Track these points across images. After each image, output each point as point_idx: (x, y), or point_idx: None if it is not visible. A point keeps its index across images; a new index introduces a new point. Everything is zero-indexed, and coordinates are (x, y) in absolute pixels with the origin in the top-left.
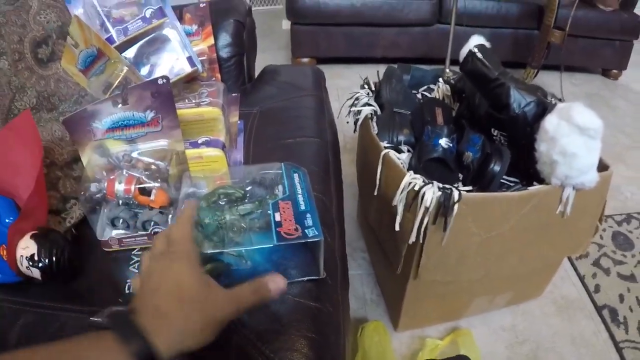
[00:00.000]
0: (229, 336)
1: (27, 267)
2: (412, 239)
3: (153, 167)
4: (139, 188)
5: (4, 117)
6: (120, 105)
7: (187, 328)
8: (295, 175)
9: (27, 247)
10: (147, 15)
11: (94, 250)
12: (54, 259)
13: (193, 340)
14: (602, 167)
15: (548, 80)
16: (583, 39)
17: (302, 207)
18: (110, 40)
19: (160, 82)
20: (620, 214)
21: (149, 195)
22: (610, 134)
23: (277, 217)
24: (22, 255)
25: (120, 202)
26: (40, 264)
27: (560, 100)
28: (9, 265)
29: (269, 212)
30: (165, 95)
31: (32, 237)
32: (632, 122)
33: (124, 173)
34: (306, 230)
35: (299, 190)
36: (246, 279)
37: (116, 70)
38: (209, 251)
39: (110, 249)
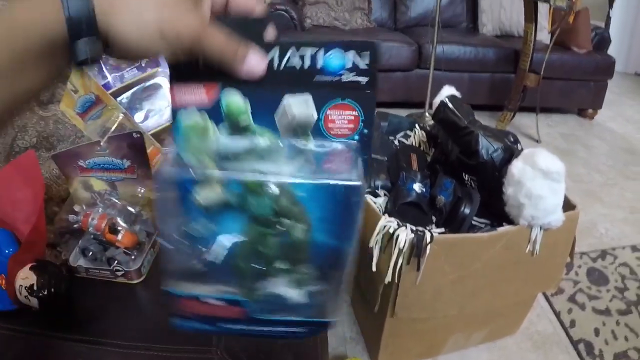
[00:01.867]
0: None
1: (25, 297)
2: (388, 279)
3: (127, 210)
4: (109, 226)
5: (7, 154)
6: (99, 149)
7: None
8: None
9: (26, 277)
10: (142, 64)
11: (87, 282)
12: (52, 289)
13: (133, 26)
14: (570, 206)
15: (525, 122)
16: (559, 80)
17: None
18: (107, 86)
19: (135, 135)
20: (595, 250)
21: (117, 234)
22: (586, 172)
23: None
24: (21, 285)
25: (93, 235)
26: (40, 294)
27: (537, 141)
28: (8, 294)
29: None
30: (139, 148)
31: (31, 268)
32: (606, 159)
33: (99, 210)
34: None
35: None
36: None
37: (112, 116)
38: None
39: (79, 275)
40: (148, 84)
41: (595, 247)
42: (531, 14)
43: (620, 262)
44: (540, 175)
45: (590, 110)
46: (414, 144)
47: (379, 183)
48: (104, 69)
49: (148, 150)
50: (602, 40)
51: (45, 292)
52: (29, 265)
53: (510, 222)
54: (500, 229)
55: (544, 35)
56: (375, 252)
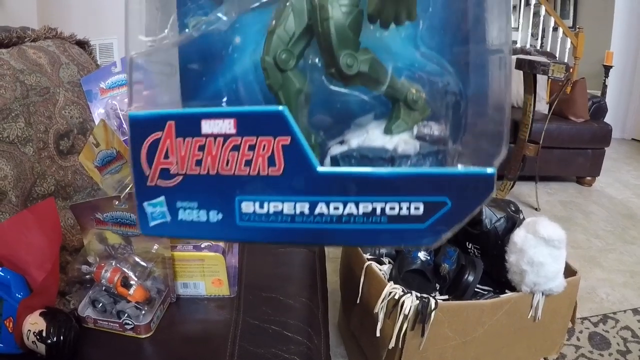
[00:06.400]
0: None
1: (33, 342)
2: (392, 344)
3: (140, 265)
4: (122, 280)
5: (24, 200)
6: (117, 203)
7: None
8: None
9: (35, 323)
10: None
11: (94, 333)
12: (61, 337)
13: None
14: (571, 272)
15: (525, 190)
16: (557, 149)
17: None
18: (127, 142)
19: None
20: (597, 315)
21: (129, 289)
22: (585, 238)
23: None
24: (29, 330)
25: (104, 287)
26: (49, 341)
27: (536, 209)
28: (14, 338)
29: None
30: None
31: (41, 314)
32: (605, 225)
33: (113, 263)
34: None
35: None
36: None
37: None
38: None
39: (87, 325)
40: None
41: (596, 311)
42: (530, 86)
43: (622, 326)
44: (542, 243)
45: (588, 178)
46: None
47: (383, 251)
48: (124, 125)
49: None
50: (599, 109)
51: (55, 339)
52: (39, 311)
53: (513, 289)
54: (503, 296)
55: (542, 105)
56: (380, 318)
